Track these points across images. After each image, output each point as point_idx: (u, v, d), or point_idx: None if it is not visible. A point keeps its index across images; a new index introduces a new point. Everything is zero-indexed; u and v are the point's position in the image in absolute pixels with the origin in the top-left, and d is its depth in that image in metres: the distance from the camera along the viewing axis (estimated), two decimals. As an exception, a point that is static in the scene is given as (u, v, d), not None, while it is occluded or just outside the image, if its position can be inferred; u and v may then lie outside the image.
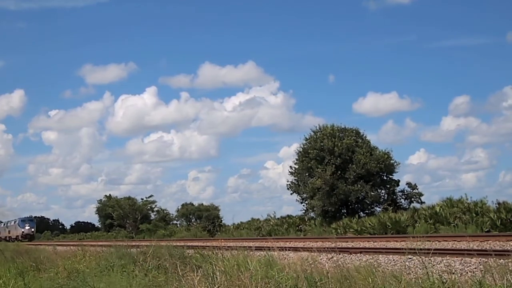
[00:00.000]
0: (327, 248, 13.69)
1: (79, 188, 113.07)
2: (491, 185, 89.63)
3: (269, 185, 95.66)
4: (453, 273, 8.04)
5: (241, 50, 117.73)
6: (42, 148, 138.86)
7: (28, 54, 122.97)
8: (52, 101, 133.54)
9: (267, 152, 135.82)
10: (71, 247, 22.42)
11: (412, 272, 9.07)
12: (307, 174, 38.38)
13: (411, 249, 8.99)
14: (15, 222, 72.01)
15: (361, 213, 36.90)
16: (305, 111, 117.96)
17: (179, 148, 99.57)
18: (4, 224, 77.72)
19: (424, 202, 36.92)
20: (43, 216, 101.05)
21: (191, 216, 62.59)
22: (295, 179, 39.56)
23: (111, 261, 13.46)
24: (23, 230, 68.66)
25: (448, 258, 12.07)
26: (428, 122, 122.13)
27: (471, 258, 11.74)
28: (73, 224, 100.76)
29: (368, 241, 20.49)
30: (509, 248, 13.61)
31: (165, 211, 68.09)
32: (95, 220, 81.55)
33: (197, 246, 17.41)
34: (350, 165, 36.64)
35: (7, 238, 69.28)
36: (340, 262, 9.79)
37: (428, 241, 16.01)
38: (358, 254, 14.88)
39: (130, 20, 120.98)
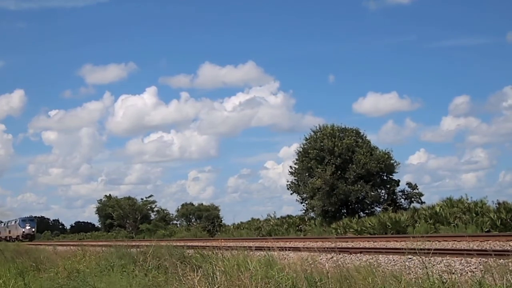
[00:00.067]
0: (327, 248, 13.70)
1: (79, 188, 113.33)
2: (491, 185, 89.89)
3: (269, 185, 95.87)
4: (453, 273, 8.04)
5: (241, 50, 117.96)
6: (42, 148, 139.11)
7: (28, 54, 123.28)
8: (52, 101, 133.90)
9: (267, 152, 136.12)
10: (71, 247, 22.43)
11: (412, 272, 9.07)
12: (307, 174, 38.38)
13: (411, 249, 8.98)
14: (15, 222, 72.00)
15: (361, 213, 36.91)
16: (305, 111, 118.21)
17: (179, 148, 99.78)
18: (4, 224, 77.72)
19: (424, 202, 37.01)
20: (43, 216, 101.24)
21: (191, 216, 62.60)
22: (295, 179, 39.58)
23: (111, 261, 13.47)
24: (23, 230, 68.68)
25: (448, 258, 12.07)
26: (428, 122, 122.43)
27: (471, 258, 11.74)
28: (73, 224, 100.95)
29: (368, 241, 20.49)
30: (509, 248, 13.61)
31: (165, 211, 68.18)
32: (95, 220, 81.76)
33: (197, 246, 17.40)
34: (350, 165, 36.64)
35: (8, 238, 69.30)
36: (340, 262, 9.78)
37: (428, 241, 16.00)
38: (358, 254, 14.87)
39: (130, 20, 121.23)
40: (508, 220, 23.55)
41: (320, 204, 36.43)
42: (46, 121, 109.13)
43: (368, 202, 37.17)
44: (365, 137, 39.08)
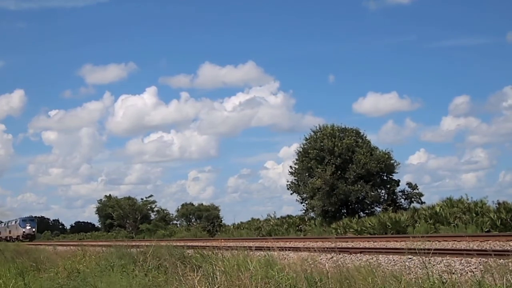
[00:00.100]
0: (327, 248, 13.69)
1: (79, 188, 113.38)
2: (491, 185, 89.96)
3: (269, 185, 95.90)
4: (453, 273, 8.05)
5: (241, 50, 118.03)
6: (42, 148, 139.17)
7: (28, 54, 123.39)
8: (52, 101, 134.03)
9: (267, 152, 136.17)
10: (71, 247, 22.44)
11: (412, 272, 9.07)
12: (307, 174, 38.37)
13: (411, 249, 8.99)
14: (16, 222, 72.01)
15: (361, 213, 36.90)
16: (305, 111, 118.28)
17: (179, 148, 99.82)
18: (4, 224, 77.75)
19: (424, 202, 37.01)
20: (43, 216, 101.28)
21: (191, 216, 62.59)
22: (295, 179, 39.57)
23: (111, 261, 13.46)
24: (24, 230, 68.70)
25: (448, 258, 12.06)
26: (428, 122, 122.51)
27: (471, 258, 11.73)
28: (73, 224, 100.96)
29: (368, 241, 20.48)
30: (509, 248, 13.60)
31: (165, 211, 68.19)
32: (95, 220, 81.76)
33: (197, 246, 17.39)
34: (350, 165, 36.64)
35: (8, 238, 69.29)
36: (340, 262, 9.79)
37: (428, 241, 16.00)
38: (358, 254, 14.86)
39: (130, 20, 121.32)
40: (508, 220, 23.55)
41: (320, 204, 36.42)
42: (46, 121, 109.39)
43: (368, 202, 37.17)
44: (365, 137, 39.14)
